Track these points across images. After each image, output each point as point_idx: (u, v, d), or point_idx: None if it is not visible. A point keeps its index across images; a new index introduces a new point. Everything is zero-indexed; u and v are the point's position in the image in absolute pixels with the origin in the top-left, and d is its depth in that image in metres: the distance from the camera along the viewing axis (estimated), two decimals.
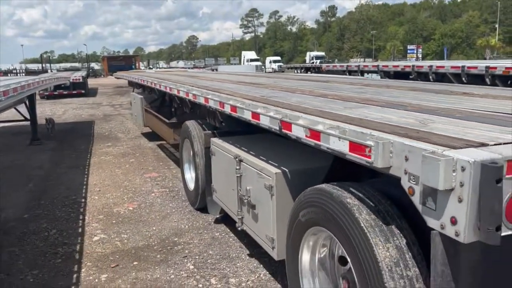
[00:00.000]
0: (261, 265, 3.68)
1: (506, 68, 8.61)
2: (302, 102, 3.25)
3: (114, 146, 9.21)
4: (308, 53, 66.77)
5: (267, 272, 3.55)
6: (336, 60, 59.65)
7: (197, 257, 3.87)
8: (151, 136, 9.73)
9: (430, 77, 10.56)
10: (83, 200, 5.55)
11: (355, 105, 2.99)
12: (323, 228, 2.32)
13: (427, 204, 1.60)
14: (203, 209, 4.79)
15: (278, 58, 66.09)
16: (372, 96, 3.52)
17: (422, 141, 1.70)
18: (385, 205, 2.07)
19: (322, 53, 67.34)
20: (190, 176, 5.29)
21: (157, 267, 3.69)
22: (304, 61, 52.54)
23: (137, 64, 55.13)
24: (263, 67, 50.80)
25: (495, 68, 8.80)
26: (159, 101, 8.21)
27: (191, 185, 5.16)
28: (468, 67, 9.46)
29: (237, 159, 3.47)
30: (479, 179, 1.42)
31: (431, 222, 1.59)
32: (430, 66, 10.58)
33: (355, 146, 1.93)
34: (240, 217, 3.53)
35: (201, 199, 4.78)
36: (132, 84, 10.77)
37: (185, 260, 3.80)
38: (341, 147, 2.03)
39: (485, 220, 1.42)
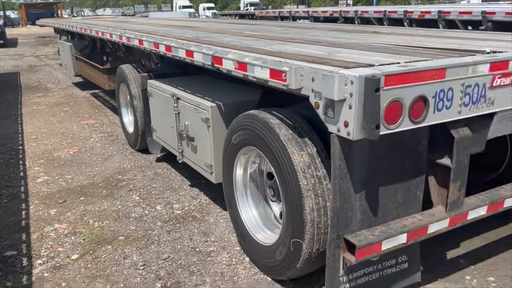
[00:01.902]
0: (202, 193, 4.09)
1: (421, 12, 9.33)
2: (232, 41, 3.54)
3: (46, 96, 8.95)
4: (242, 0, 65.43)
5: (208, 198, 3.97)
6: (270, 7, 59.17)
7: (141, 190, 4.19)
8: (84, 85, 9.53)
9: (356, 22, 11.11)
10: (20, 147, 5.55)
11: (278, 43, 3.35)
12: (252, 147, 2.73)
13: (328, 114, 2.04)
14: (144, 150, 5.04)
15: (212, 5, 64.15)
16: (294, 36, 3.90)
17: (324, 65, 2.11)
18: (300, 123, 2.50)
19: (257, 0, 66.29)
20: (128, 119, 5.46)
21: (104, 200, 3.97)
22: (239, 8, 51.60)
23: (59, 12, 51.02)
24: (196, 14, 49.30)
25: (412, 12, 9.51)
26: (90, 48, 8.02)
27: (130, 128, 5.36)
28: (389, 12, 10.09)
29: (174, 98, 3.75)
30: (363, 89, 1.85)
31: (331, 128, 2.04)
32: (356, 11, 11.11)
33: (274, 73, 2.30)
34: (181, 151, 3.86)
35: (141, 141, 5.02)
36: (59, 31, 10.27)
37: (131, 193, 4.11)
38: (264, 75, 2.39)
39: (367, 121, 1.88)
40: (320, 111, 2.08)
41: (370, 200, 2.21)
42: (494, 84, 2.25)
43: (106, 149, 5.43)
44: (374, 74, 1.86)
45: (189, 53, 3.26)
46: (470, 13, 8.33)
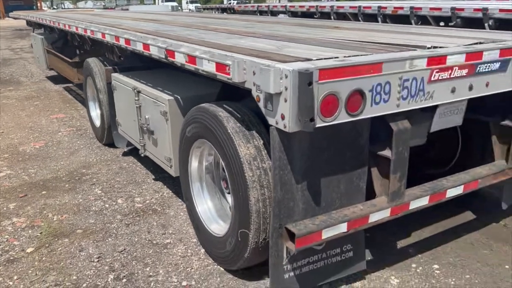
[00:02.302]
0: (165, 186, 4.11)
1: (394, 8, 9.46)
2: (191, 35, 3.56)
3: (17, 90, 8.81)
4: None
5: (170, 191, 4.00)
6: (252, 1, 58.99)
7: (104, 183, 4.19)
8: (57, 79, 9.41)
9: (332, 17, 11.20)
10: None
11: (236, 37, 3.38)
12: (204, 139, 2.77)
13: (267, 107, 2.08)
14: (111, 144, 5.02)
15: None
16: (256, 30, 3.93)
17: (266, 59, 2.15)
18: (249, 116, 2.54)
19: None
20: (95, 113, 5.43)
21: (65, 194, 3.96)
22: (222, 2, 51.35)
23: (39, 4, 49.92)
24: (179, 8, 48.79)
25: (386, 8, 9.63)
26: (62, 41, 7.92)
27: (97, 122, 5.33)
28: (364, 7, 10.20)
29: (135, 91, 3.75)
30: (297, 83, 1.90)
31: (270, 120, 2.08)
32: (332, 7, 11.19)
33: (219, 66, 2.34)
34: (142, 144, 3.87)
35: (107, 134, 5.01)
36: (31, 24, 10.09)
37: (93, 187, 4.11)
38: (211, 68, 2.43)
39: (302, 113, 1.93)
40: (261, 104, 2.13)
41: (312, 190, 2.28)
42: (432, 78, 2.33)
43: (74, 143, 5.40)
44: (308, 68, 1.91)
45: (146, 46, 3.27)
46: (440, 9, 8.48)
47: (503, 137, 2.97)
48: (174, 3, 50.08)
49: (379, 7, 9.75)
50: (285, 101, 1.95)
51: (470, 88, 2.53)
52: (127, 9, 30.24)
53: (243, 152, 2.38)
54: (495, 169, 2.91)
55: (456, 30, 4.16)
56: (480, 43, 2.70)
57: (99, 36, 4.42)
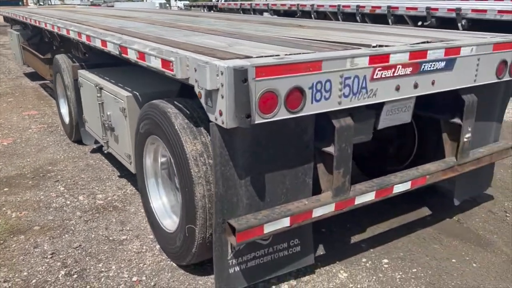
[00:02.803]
0: (129, 183, 4.11)
1: (372, 7, 9.56)
2: (152, 31, 3.57)
3: None
4: None
5: (133, 188, 4.00)
6: None
7: (68, 180, 4.17)
8: (34, 76, 9.30)
9: (312, 15, 11.27)
10: None
11: (194, 34, 3.40)
12: (154, 135, 2.78)
13: (208, 103, 2.11)
14: (81, 141, 5.01)
15: None
16: (219, 28, 3.95)
17: (209, 56, 2.18)
18: (198, 112, 2.56)
19: None
20: (65, 110, 5.40)
21: (27, 191, 3.94)
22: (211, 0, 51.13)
23: (25, 1, 49.15)
24: (167, 5, 48.34)
25: (364, 7, 9.72)
26: (38, 37, 7.84)
27: (67, 119, 5.30)
28: (343, 6, 10.28)
29: (97, 87, 3.75)
30: (233, 80, 1.93)
31: (210, 117, 2.11)
32: (312, 5, 11.26)
33: (164, 63, 2.36)
34: (106, 141, 3.87)
35: (76, 131, 4.99)
36: (7, 20, 9.97)
37: (56, 184, 4.09)
38: (157, 64, 2.45)
39: (238, 110, 1.96)
40: (202, 101, 2.15)
41: (256, 186, 2.31)
42: (375, 77, 2.38)
43: (43, 140, 5.36)
44: (243, 65, 1.94)
45: (104, 42, 3.28)
46: (416, 9, 8.58)
47: (452, 134, 3.03)
48: (162, 1, 49.59)
49: (358, 6, 9.83)
50: (222, 97, 1.98)
51: (416, 86, 2.59)
52: (112, 6, 30.02)
53: (189, 148, 2.40)
54: (444, 165, 2.97)
55: (416, 29, 4.24)
56: (427, 42, 2.76)
57: (64, 32, 4.40)
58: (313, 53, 2.29)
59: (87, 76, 4.11)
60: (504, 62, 3.01)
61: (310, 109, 2.20)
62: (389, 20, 9.15)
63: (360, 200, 2.58)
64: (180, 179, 2.51)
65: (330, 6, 10.68)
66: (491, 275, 2.74)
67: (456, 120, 2.99)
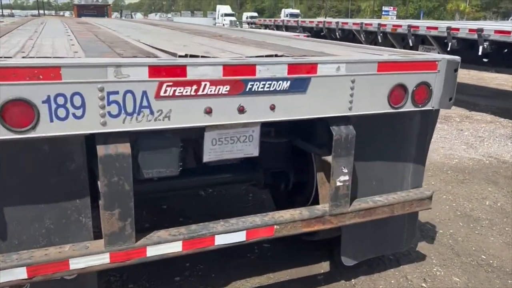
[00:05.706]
0: None
1: (394, 25, 8.73)
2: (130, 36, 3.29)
3: None
4: (283, 10, 65.26)
5: None
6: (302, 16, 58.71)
7: None
8: None
9: (337, 33, 10.64)
10: None
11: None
12: None
13: None
14: None
15: (255, 14, 64.32)
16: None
17: None
18: None
19: (297, 11, 65.91)
20: None
21: None
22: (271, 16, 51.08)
23: (109, 13, 53.20)
24: (237, 23, 48.84)
25: (385, 25, 8.92)
26: None
27: None
28: (365, 24, 9.56)
29: None
30: None
31: None
32: (337, 23, 10.64)
33: None
34: None
35: None
36: None
37: None
38: None
39: None
40: None
41: None
42: (162, 94, 1.84)
43: None
44: None
45: None
46: (436, 28, 7.68)
47: (327, 175, 2.36)
48: (233, 18, 50.25)
49: (379, 25, 9.07)
50: None
51: (242, 111, 2.00)
52: (172, 20, 31.54)
53: None
54: (309, 214, 2.30)
55: (343, 45, 3.50)
56: (276, 55, 2.16)
57: None
58: (51, 58, 1.80)
59: None
60: (401, 87, 2.29)
61: (51, 129, 1.71)
62: (410, 40, 8.26)
63: (156, 252, 2.01)
64: None
65: (354, 24, 10.01)
66: None
67: (328, 158, 2.32)
